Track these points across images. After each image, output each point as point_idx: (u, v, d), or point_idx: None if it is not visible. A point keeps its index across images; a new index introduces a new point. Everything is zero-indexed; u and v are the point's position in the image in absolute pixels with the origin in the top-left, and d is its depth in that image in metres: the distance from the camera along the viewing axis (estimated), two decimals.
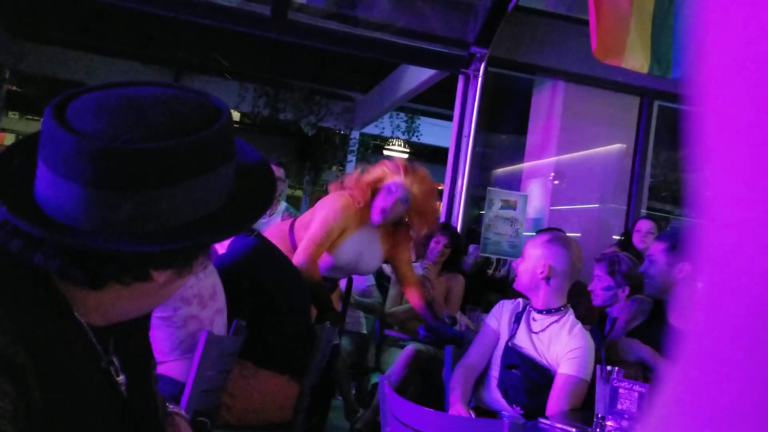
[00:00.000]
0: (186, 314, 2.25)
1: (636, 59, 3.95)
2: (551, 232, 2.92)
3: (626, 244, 4.36)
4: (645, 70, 3.99)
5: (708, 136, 0.26)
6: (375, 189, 3.00)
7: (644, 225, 4.32)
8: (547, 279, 2.47)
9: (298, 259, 2.93)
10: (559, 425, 2.09)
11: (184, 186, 0.83)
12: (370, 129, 12.30)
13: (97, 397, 0.88)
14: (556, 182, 6.07)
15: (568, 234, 3.16)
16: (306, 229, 3.07)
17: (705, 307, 0.26)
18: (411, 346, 3.83)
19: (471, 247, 5.45)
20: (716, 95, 0.26)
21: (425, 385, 3.71)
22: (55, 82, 10.01)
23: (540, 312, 2.50)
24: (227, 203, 0.89)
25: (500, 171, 8.56)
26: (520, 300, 2.62)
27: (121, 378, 0.94)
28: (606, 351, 2.51)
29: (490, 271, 5.91)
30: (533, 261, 2.50)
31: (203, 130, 0.85)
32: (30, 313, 0.82)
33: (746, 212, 0.25)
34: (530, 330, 2.50)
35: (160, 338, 2.24)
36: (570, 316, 2.48)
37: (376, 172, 3.02)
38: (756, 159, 0.24)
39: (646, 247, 4.21)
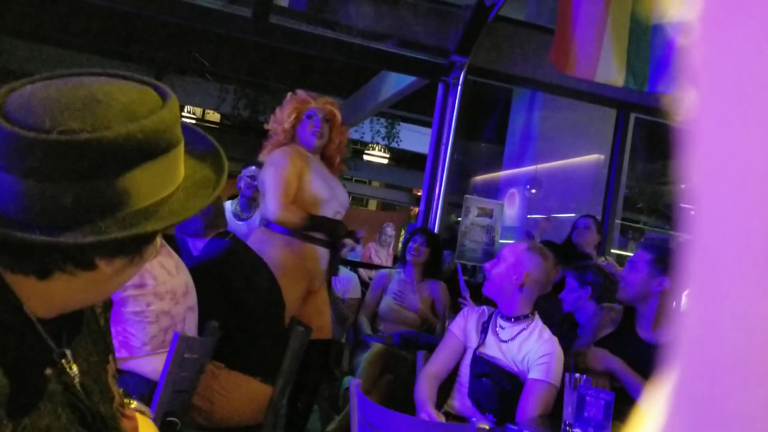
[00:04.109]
0: (159, 310, 2.26)
1: (611, 73, 4.02)
2: (530, 241, 2.99)
3: (566, 240, 4.57)
4: (620, 83, 4.07)
5: (698, 150, 0.27)
6: (297, 124, 3.33)
7: (582, 222, 4.64)
8: (521, 286, 2.49)
9: (271, 210, 3.06)
10: (527, 431, 2.11)
11: (125, 176, 0.82)
12: (350, 134, 12.28)
13: (49, 389, 0.88)
14: (533, 191, 6.13)
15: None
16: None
17: (696, 319, 0.27)
18: (378, 345, 3.77)
19: (444, 253, 5.47)
20: (707, 110, 0.27)
21: (396, 385, 3.68)
22: None
23: (508, 320, 2.51)
24: (174, 191, 0.88)
25: (478, 179, 8.61)
26: (485, 307, 2.62)
27: (74, 370, 0.93)
28: (575, 359, 2.53)
29: (465, 278, 5.93)
30: (509, 267, 2.51)
31: (144, 119, 0.83)
32: None
33: (738, 224, 0.25)
34: (498, 338, 2.51)
35: (132, 333, 2.24)
36: (538, 323, 2.50)
37: (290, 109, 3.31)
38: (745, 173, 0.25)
39: (583, 241, 4.43)
